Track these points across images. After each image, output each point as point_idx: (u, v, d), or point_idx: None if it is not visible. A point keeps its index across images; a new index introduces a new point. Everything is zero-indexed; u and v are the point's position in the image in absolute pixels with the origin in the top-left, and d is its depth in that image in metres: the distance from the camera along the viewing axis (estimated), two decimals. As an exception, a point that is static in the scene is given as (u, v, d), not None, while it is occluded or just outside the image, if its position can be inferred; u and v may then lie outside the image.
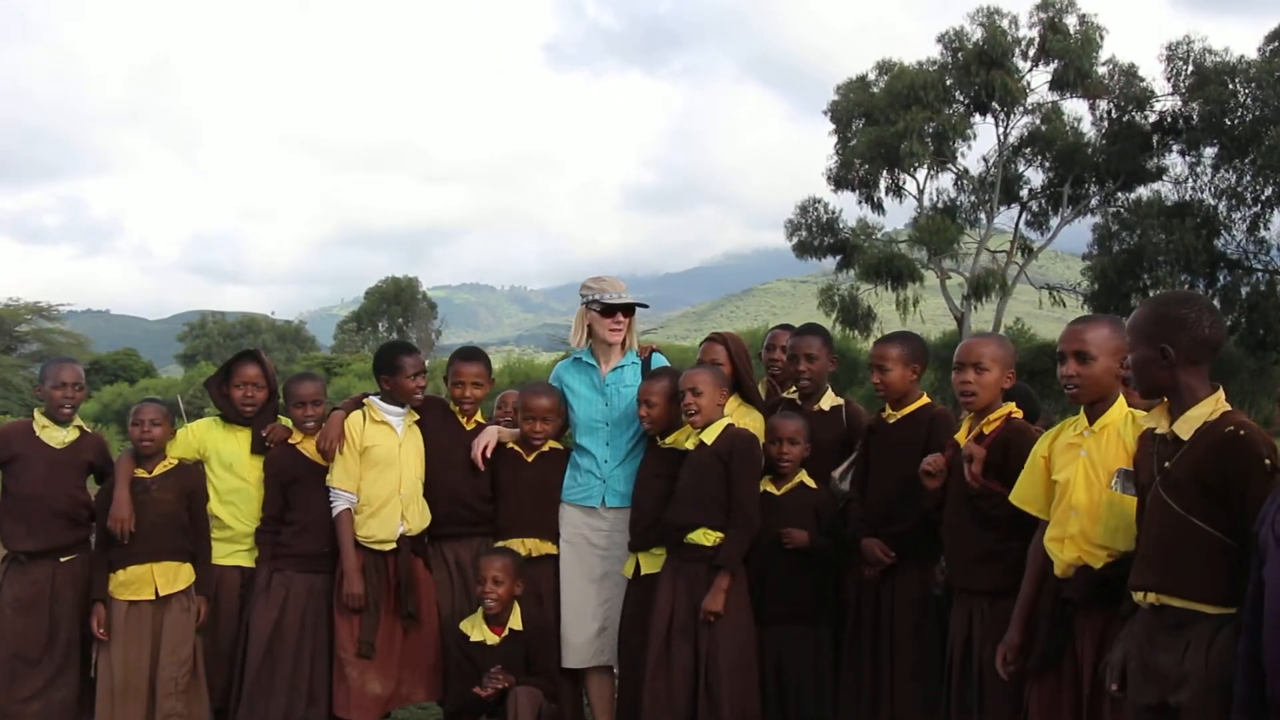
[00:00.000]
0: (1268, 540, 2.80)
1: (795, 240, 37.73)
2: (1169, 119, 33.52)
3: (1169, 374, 3.18)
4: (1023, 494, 3.92)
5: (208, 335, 73.72)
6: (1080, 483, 3.69)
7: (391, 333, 68.99)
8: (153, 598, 4.98)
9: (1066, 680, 3.71)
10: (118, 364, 57.69)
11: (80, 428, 5.26)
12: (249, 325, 77.34)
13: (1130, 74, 33.74)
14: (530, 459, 5.35)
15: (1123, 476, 3.59)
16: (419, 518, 5.18)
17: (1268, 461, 2.98)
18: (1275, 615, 2.75)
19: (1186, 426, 3.14)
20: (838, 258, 37.75)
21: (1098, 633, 3.62)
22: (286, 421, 5.28)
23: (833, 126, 37.00)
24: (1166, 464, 3.17)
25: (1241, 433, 3.05)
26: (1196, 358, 3.17)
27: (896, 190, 37.24)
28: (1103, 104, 34.34)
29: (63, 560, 5.06)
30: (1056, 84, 34.40)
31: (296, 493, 5.12)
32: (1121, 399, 3.75)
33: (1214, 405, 3.14)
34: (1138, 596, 3.22)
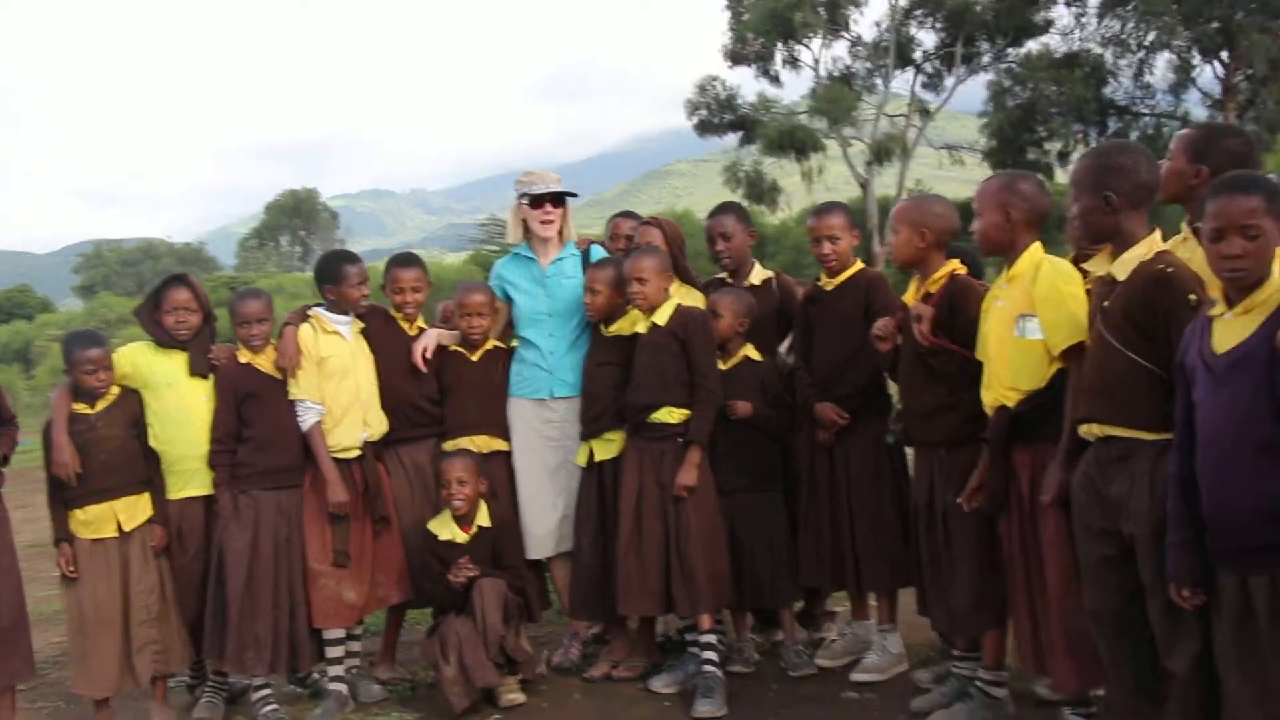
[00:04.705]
0: (1196, 365, 2.96)
1: (696, 119, 37.68)
2: (1054, -31, 33.81)
3: (1113, 219, 3.33)
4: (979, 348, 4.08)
5: (105, 264, 71.64)
6: (993, 330, 3.90)
7: (295, 247, 67.75)
8: (116, 534, 4.89)
9: (1013, 512, 3.93)
10: (12, 301, 55.78)
11: None
12: (147, 251, 75.28)
13: (1013, -74, 33.86)
14: (475, 358, 5.40)
15: (1022, 320, 3.78)
16: (379, 423, 5.22)
17: (1191, 297, 3.14)
18: (1205, 436, 2.93)
19: (1123, 267, 3.31)
20: (739, 134, 37.80)
21: (1030, 465, 3.84)
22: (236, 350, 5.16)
23: (726, 1, 36.76)
24: (1105, 303, 3.34)
25: (1169, 270, 3.21)
26: (1136, 201, 3.33)
27: (793, 62, 37.27)
28: (989, -41, 34.49)
29: None
30: (942, -58, 34.45)
31: (251, 409, 5.02)
32: (1036, 247, 3.90)
33: (1149, 246, 3.31)
34: (1084, 429, 3.41)
